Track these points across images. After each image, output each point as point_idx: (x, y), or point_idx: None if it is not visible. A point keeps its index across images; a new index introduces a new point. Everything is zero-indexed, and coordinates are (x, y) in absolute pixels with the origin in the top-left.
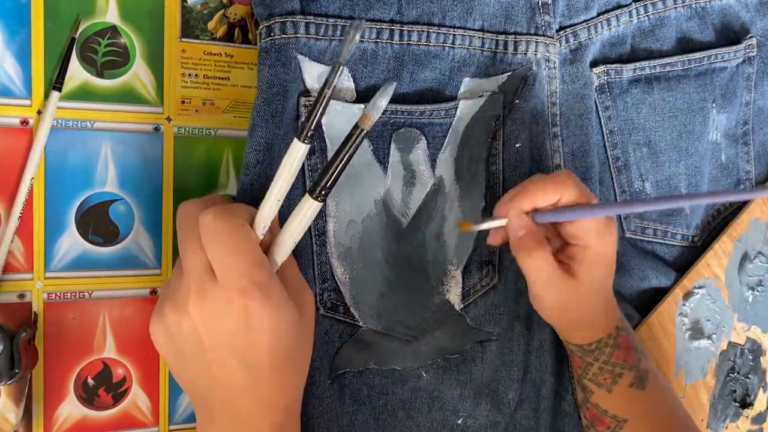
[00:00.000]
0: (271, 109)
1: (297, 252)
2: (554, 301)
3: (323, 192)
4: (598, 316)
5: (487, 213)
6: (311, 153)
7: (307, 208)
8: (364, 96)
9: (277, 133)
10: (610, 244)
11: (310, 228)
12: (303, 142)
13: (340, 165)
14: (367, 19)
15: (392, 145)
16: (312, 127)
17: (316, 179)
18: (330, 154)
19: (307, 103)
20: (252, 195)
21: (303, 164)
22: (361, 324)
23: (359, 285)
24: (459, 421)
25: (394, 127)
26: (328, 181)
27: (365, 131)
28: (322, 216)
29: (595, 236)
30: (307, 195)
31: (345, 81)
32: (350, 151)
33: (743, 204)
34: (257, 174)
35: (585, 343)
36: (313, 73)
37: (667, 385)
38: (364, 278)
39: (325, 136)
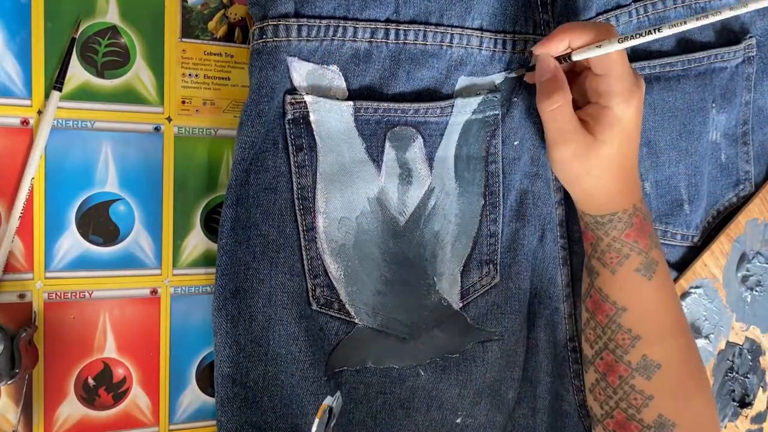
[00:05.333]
0: (258, 109)
1: (281, 245)
2: (570, 154)
3: None
4: (616, 186)
5: (487, 213)
6: (298, 150)
7: None
8: (355, 95)
9: (261, 131)
10: (635, 111)
11: (297, 222)
12: None
13: None
14: (362, 18)
15: (387, 144)
16: None
17: None
18: (320, 152)
19: (292, 101)
20: (236, 191)
21: (290, 162)
22: (356, 321)
23: (354, 282)
24: (458, 420)
25: (388, 125)
26: None
27: None
28: (310, 212)
29: (619, 98)
30: None
31: (336, 80)
32: None
33: (742, 204)
34: (242, 170)
35: (599, 213)
36: (301, 72)
37: (673, 287)
38: (360, 275)
39: (314, 133)
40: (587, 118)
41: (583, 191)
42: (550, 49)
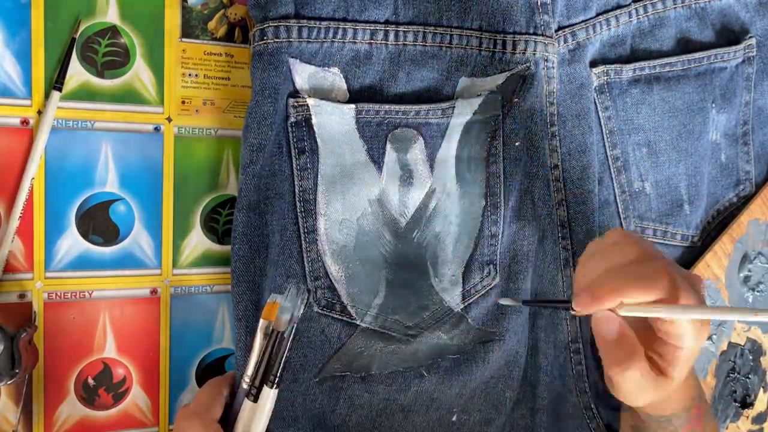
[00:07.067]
0: (263, 111)
1: (282, 248)
2: (642, 402)
3: (254, 392)
4: (677, 394)
5: (488, 214)
6: (301, 153)
7: (250, 409)
8: (356, 96)
9: (269, 134)
10: (702, 341)
11: (298, 224)
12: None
13: (263, 364)
14: (361, 20)
15: (388, 145)
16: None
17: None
18: (321, 155)
19: (295, 104)
20: (249, 193)
21: (292, 165)
22: (358, 322)
23: (356, 283)
24: (453, 419)
25: (389, 127)
26: (254, 380)
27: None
28: (311, 214)
29: (692, 338)
30: (245, 399)
31: (337, 81)
32: (269, 352)
33: (743, 204)
34: (251, 174)
35: (658, 414)
36: (303, 75)
37: None
38: (361, 277)
39: (316, 136)
40: (657, 357)
41: (646, 408)
42: (599, 306)
